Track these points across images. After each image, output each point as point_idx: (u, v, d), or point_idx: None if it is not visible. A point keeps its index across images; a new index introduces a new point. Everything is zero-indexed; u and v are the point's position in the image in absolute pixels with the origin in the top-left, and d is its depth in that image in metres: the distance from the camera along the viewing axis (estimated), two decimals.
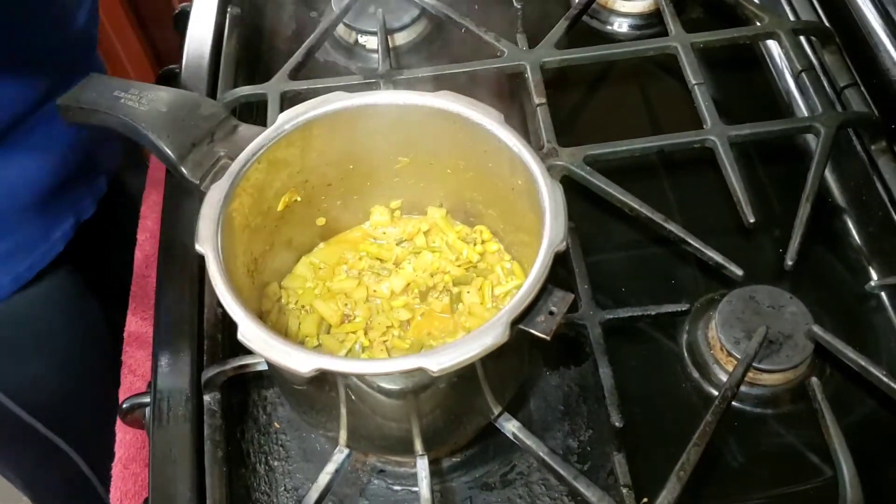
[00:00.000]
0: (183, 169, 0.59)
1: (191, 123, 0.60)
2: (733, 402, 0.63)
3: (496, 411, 0.60)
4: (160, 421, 0.65)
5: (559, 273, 0.66)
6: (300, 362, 0.47)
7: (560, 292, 0.50)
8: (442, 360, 0.46)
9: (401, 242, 0.66)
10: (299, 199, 0.61)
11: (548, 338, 0.49)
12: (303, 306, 0.63)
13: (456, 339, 0.48)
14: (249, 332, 0.48)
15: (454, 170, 0.62)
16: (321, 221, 0.66)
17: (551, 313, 0.49)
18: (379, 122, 0.60)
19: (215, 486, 0.62)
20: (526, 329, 0.49)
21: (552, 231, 0.51)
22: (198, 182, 0.58)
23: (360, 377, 0.49)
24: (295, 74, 0.83)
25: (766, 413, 0.65)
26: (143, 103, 0.60)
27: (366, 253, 0.66)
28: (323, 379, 0.50)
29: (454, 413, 0.57)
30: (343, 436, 0.57)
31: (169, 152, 0.59)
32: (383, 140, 0.61)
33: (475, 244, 0.65)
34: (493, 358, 0.48)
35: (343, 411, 0.53)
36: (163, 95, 0.61)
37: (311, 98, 0.60)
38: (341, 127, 0.60)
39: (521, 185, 0.56)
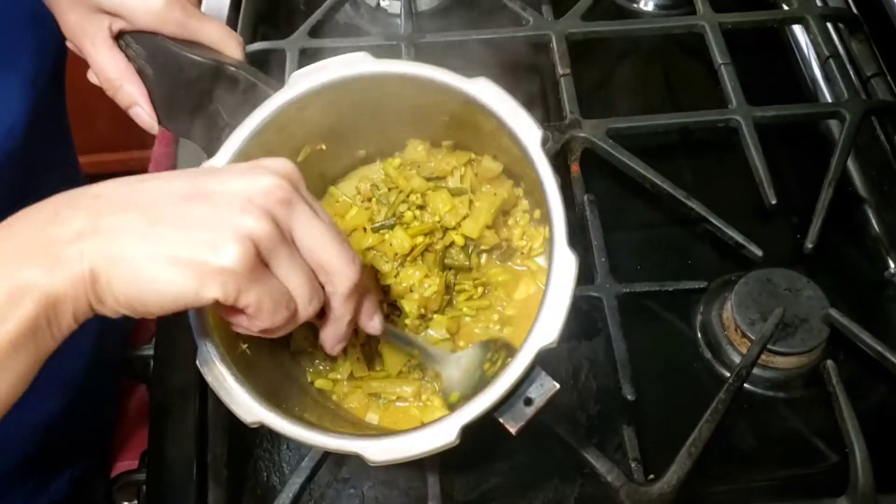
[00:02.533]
0: (194, 142, 0.59)
1: (180, 91, 0.58)
2: (744, 385, 0.62)
3: None
4: (161, 369, 0.65)
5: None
6: (246, 411, 0.46)
7: (547, 381, 0.46)
8: (381, 453, 0.44)
9: (433, 178, 0.62)
10: (324, 147, 0.60)
11: (514, 433, 0.46)
12: None
13: (405, 432, 0.46)
14: (205, 362, 0.48)
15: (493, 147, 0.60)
16: (362, 153, 0.64)
17: (528, 401, 0.46)
18: (408, 92, 0.56)
19: (217, 439, 0.62)
20: (495, 416, 0.46)
21: (545, 323, 0.46)
22: (208, 153, 0.57)
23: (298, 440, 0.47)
24: (315, 32, 0.81)
25: (776, 396, 0.64)
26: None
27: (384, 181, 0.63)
28: None
29: None
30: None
31: (173, 131, 0.59)
32: (413, 104, 0.58)
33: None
34: None
35: None
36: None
37: (330, 57, 0.57)
38: (363, 90, 0.57)
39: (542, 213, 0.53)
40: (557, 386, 0.46)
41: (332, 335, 0.48)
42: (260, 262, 0.40)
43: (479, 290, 0.60)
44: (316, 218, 0.42)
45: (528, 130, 0.51)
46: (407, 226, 0.60)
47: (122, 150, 1.45)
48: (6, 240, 0.39)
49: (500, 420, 0.46)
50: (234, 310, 0.41)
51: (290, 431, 0.46)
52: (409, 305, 0.58)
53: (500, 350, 0.54)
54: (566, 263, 0.47)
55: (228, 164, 0.44)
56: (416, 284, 0.59)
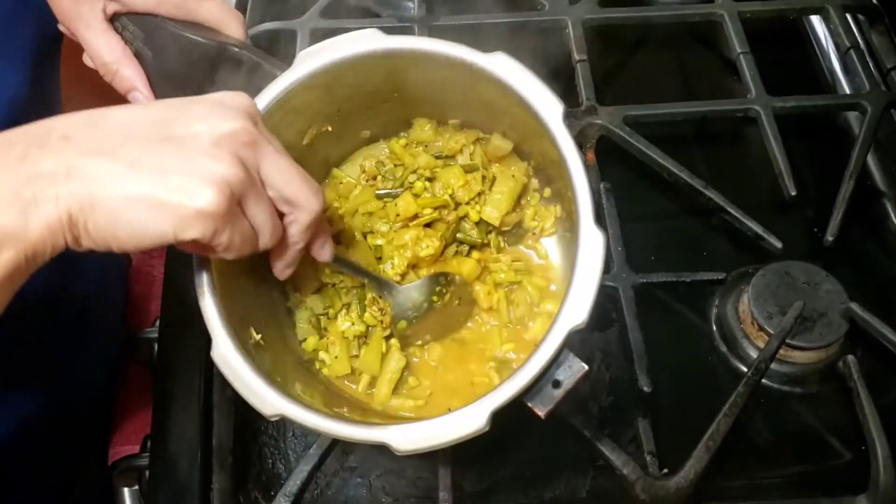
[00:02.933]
0: None
1: (180, 73, 0.56)
2: (762, 381, 0.61)
3: None
4: (167, 355, 0.63)
5: None
6: (266, 404, 0.45)
7: (575, 363, 0.45)
8: (409, 441, 0.43)
9: (442, 157, 0.61)
10: (330, 128, 0.58)
11: (542, 416, 0.45)
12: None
13: (433, 420, 0.44)
14: (220, 355, 0.47)
15: (504, 125, 0.59)
16: (366, 134, 0.62)
17: (556, 384, 0.45)
18: (422, 68, 0.55)
19: (222, 425, 0.60)
20: (523, 401, 0.44)
21: (574, 303, 0.45)
22: None
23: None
24: (327, 13, 0.80)
25: (793, 392, 0.63)
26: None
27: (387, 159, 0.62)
28: None
29: None
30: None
31: None
32: (424, 83, 0.57)
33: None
34: None
35: None
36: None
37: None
38: (373, 68, 0.55)
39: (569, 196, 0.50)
40: (586, 367, 0.45)
41: (284, 261, 0.49)
42: (234, 204, 0.42)
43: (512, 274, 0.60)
44: (280, 154, 0.44)
45: (548, 104, 0.50)
46: (417, 195, 0.58)
47: None
48: None
49: (529, 405, 0.45)
50: (205, 246, 0.43)
51: (312, 423, 0.45)
52: (400, 259, 0.58)
53: (448, 284, 0.57)
54: (594, 242, 0.46)
55: (186, 98, 0.43)
56: (410, 244, 0.58)
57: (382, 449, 0.60)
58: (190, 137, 0.41)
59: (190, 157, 0.40)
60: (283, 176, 0.44)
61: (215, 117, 0.42)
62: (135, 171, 0.39)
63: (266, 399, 0.45)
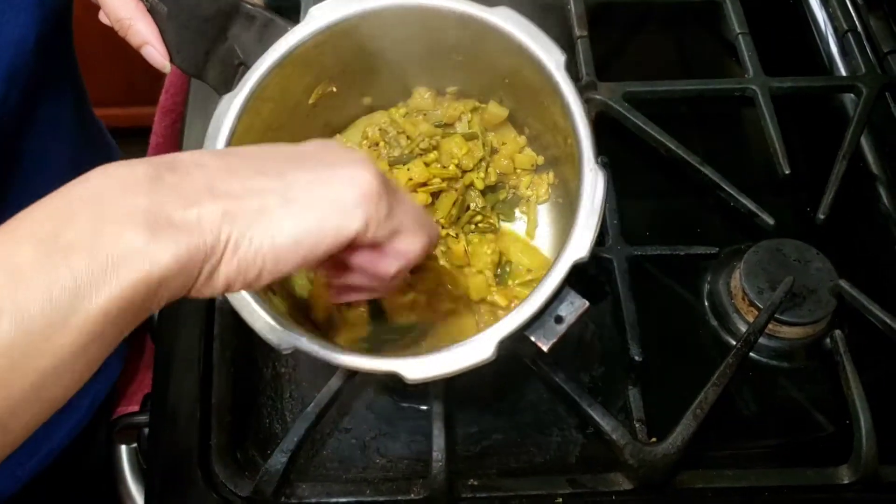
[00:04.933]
0: (207, 81, 0.58)
1: (195, 28, 0.57)
2: (750, 353, 0.62)
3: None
4: (168, 316, 0.64)
5: None
6: (280, 338, 0.46)
7: (577, 299, 0.46)
8: (418, 370, 0.44)
9: (441, 125, 0.62)
10: (335, 89, 0.59)
11: (545, 349, 0.46)
12: None
13: (441, 350, 0.45)
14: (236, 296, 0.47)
15: (501, 90, 0.60)
16: (367, 100, 0.63)
17: (559, 319, 0.46)
18: (425, 25, 0.57)
19: (221, 385, 0.61)
20: (525, 334, 0.46)
21: (578, 238, 0.47)
22: (221, 92, 0.55)
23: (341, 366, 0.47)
24: None
25: (780, 366, 0.65)
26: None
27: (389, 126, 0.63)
28: None
29: None
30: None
31: (185, 70, 0.58)
32: (427, 43, 0.58)
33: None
34: None
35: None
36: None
37: None
38: (380, 26, 0.57)
39: (571, 144, 0.52)
40: (587, 304, 0.46)
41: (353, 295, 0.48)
42: (384, 191, 0.39)
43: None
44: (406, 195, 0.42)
45: (550, 53, 0.52)
46: (428, 164, 0.59)
47: (131, 105, 1.45)
48: (97, 203, 0.33)
49: (532, 338, 0.46)
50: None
51: (327, 355, 0.46)
52: None
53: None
54: (595, 179, 0.48)
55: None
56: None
57: (377, 411, 0.63)
58: (324, 166, 0.39)
59: (330, 165, 0.38)
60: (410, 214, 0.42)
61: (346, 166, 0.39)
62: (284, 179, 0.37)
63: (281, 334, 0.46)
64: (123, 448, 0.67)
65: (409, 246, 0.42)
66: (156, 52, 0.60)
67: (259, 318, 0.47)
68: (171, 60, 0.60)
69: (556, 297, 0.45)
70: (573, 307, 0.46)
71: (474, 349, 0.44)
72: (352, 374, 0.58)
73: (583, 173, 0.48)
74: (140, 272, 0.32)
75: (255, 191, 0.36)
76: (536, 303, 0.45)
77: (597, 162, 0.49)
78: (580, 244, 0.47)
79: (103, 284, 0.31)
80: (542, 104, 0.52)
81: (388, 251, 0.42)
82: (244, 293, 0.48)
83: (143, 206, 0.33)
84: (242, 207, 0.35)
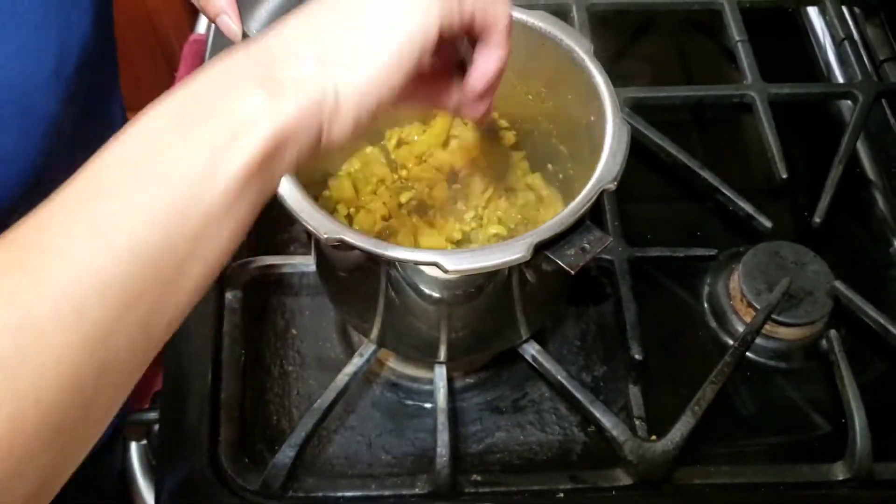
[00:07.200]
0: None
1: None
2: (747, 354, 0.63)
3: (523, 336, 0.60)
4: None
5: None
6: (325, 228, 0.47)
7: (598, 232, 0.49)
8: (457, 263, 0.45)
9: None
10: None
11: (572, 271, 0.47)
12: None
13: (480, 247, 0.47)
14: (285, 188, 0.48)
15: (535, 97, 0.61)
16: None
17: (583, 249, 0.48)
18: None
19: (231, 382, 0.63)
20: (551, 257, 0.47)
21: (606, 167, 0.50)
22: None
23: (384, 259, 0.47)
24: None
25: (778, 367, 0.66)
26: None
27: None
28: (367, 269, 0.50)
29: (485, 327, 0.57)
30: (375, 330, 0.58)
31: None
32: None
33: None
34: (531, 284, 0.47)
35: (380, 304, 0.53)
36: None
37: None
38: None
39: (593, 121, 0.54)
40: (611, 238, 0.49)
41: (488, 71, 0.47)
42: None
43: None
44: None
45: (580, 43, 0.57)
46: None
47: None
48: (214, 83, 0.37)
49: (558, 260, 0.47)
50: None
51: (370, 246, 0.46)
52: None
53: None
54: (621, 128, 0.51)
55: None
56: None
57: (383, 409, 0.64)
58: None
59: None
60: None
61: None
62: (354, 19, 0.39)
63: (326, 224, 0.47)
64: (133, 445, 0.68)
65: (497, 7, 0.43)
66: (231, 21, 0.60)
67: (304, 207, 0.48)
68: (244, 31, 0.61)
69: (577, 228, 0.48)
70: (596, 238, 0.48)
71: (511, 249, 0.46)
72: (356, 371, 0.60)
73: (607, 127, 0.51)
74: (267, 129, 0.35)
75: (335, 33, 0.38)
76: (573, 215, 0.48)
77: (622, 120, 0.52)
78: (608, 172, 0.49)
79: (238, 144, 0.35)
80: (571, 79, 0.56)
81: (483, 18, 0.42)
82: (292, 184, 0.48)
83: (253, 74, 0.36)
84: (333, 52, 0.38)
